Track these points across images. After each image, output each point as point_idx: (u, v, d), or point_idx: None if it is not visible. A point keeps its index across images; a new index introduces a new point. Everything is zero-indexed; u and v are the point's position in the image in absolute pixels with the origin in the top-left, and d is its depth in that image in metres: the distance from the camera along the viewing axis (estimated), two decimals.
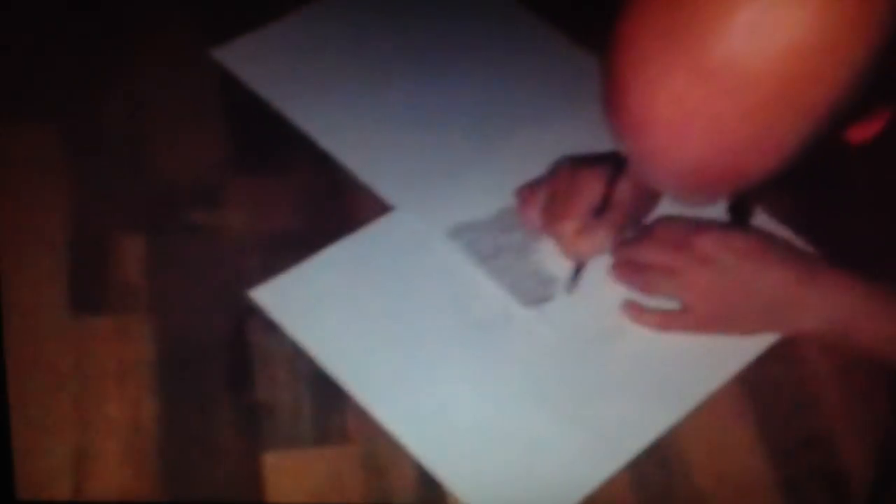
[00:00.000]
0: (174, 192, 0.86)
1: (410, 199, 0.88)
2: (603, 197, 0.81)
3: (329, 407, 0.76)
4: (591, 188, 0.82)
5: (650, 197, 0.86)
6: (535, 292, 0.84)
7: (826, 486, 0.74)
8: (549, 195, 0.84)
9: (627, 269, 0.84)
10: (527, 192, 0.85)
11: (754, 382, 0.79)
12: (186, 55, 0.94)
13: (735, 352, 0.80)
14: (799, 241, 0.85)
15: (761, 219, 0.89)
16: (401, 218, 0.87)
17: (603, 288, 0.84)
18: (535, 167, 0.88)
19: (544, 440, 0.76)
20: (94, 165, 0.86)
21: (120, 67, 0.92)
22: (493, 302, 0.83)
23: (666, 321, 0.82)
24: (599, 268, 0.85)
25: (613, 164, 0.80)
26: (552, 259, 0.86)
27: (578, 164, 0.84)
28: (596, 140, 0.69)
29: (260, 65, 0.95)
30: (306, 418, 0.75)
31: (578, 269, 0.83)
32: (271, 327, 0.79)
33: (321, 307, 0.81)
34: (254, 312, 0.79)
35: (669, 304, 0.82)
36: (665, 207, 0.88)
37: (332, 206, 0.87)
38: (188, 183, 0.86)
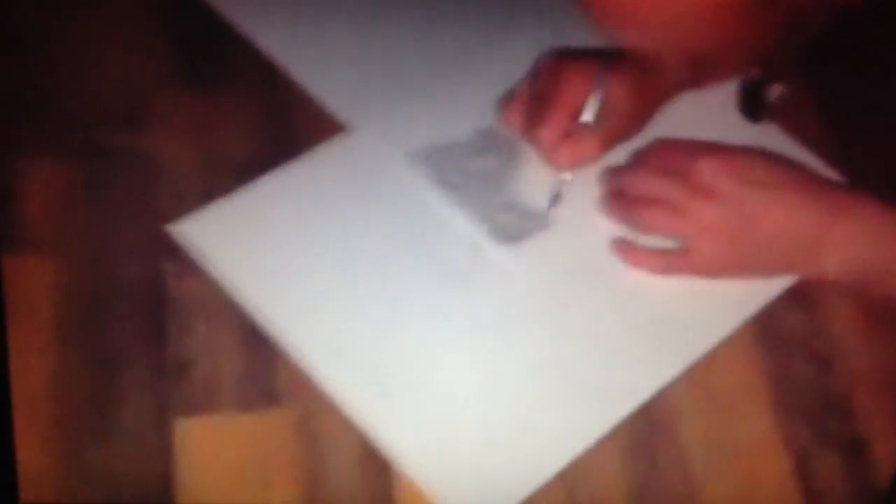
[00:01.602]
0: (92, 108, 0.75)
1: (369, 118, 0.78)
2: (589, 97, 0.72)
3: (258, 365, 0.66)
4: (577, 88, 0.73)
5: (647, 103, 0.75)
6: (511, 227, 0.73)
7: (844, 455, 0.65)
8: (531, 95, 0.75)
9: (618, 201, 0.73)
10: (508, 95, 0.76)
11: (765, 334, 0.70)
12: None
13: (743, 297, 0.71)
14: (822, 167, 0.76)
15: (777, 139, 0.77)
16: (356, 140, 0.77)
17: (591, 222, 0.74)
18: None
19: (519, 405, 0.66)
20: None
21: None
22: (460, 239, 0.72)
23: (663, 263, 0.71)
24: (586, 198, 0.74)
25: (604, 59, 0.71)
26: (532, 187, 0.75)
27: (564, 58, 0.75)
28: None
29: None
30: (229, 378, 0.65)
31: (558, 187, 0.74)
32: (193, 269, 0.69)
33: (254, 246, 0.71)
34: (174, 252, 0.70)
35: (667, 243, 0.72)
36: (667, 124, 0.76)
37: (279, 127, 0.77)
38: (109, 98, 0.76)
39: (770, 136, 0.77)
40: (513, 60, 0.78)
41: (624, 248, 0.72)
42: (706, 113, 0.78)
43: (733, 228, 0.69)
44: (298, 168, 0.74)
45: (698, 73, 0.78)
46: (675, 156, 0.71)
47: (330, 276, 0.69)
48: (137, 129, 0.74)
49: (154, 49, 0.79)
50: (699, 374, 0.67)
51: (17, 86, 0.75)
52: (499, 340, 0.68)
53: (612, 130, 0.74)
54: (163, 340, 0.65)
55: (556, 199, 0.74)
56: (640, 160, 0.73)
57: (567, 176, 0.73)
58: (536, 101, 0.74)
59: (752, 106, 0.77)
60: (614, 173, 0.74)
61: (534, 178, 0.74)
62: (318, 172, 0.74)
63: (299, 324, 0.67)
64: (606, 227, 0.73)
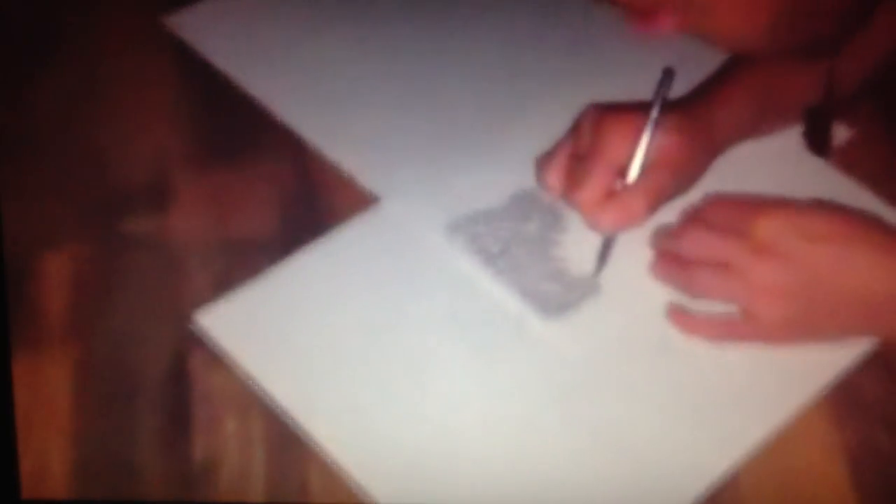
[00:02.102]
0: (111, 192, 0.72)
1: (399, 189, 0.74)
2: (634, 154, 0.67)
3: (288, 464, 0.61)
4: (620, 143, 0.68)
5: (698, 157, 0.70)
6: (556, 297, 0.68)
7: None
8: (571, 155, 0.70)
9: (670, 264, 0.68)
10: (546, 154, 0.71)
11: (843, 405, 0.64)
12: (133, 22, 0.81)
13: (816, 365, 0.65)
14: None
15: (846, 188, 0.72)
16: (386, 212, 0.73)
17: (643, 289, 0.68)
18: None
19: (571, 489, 0.60)
20: (18, 160, 0.73)
21: (59, 42, 0.80)
22: (502, 313, 0.67)
23: (722, 330, 0.66)
24: (637, 262, 0.69)
25: (650, 112, 0.67)
26: (577, 254, 0.70)
27: (606, 112, 0.70)
28: None
29: (221, 35, 0.81)
30: (258, 477, 0.60)
31: (606, 248, 0.69)
32: (219, 360, 0.65)
33: (283, 332, 0.66)
34: (199, 342, 0.65)
35: (726, 309, 0.66)
36: (719, 178, 0.70)
37: (306, 204, 0.73)
38: (129, 180, 0.73)
39: (838, 186, 0.72)
40: (552, 119, 0.73)
41: (679, 316, 0.66)
42: (765, 163, 0.73)
43: (798, 289, 0.63)
44: (326, 246, 0.70)
45: (757, 120, 0.73)
46: (731, 212, 0.66)
47: (364, 363, 0.64)
48: (158, 212, 0.71)
49: (174, 124, 0.76)
50: (771, 454, 0.61)
51: (36, 171, 0.73)
52: (547, 421, 0.62)
53: (660, 189, 0.68)
54: (188, 436, 0.61)
55: (602, 263, 0.69)
56: (692, 218, 0.68)
57: (613, 236, 0.69)
58: (576, 160, 0.69)
59: (819, 138, 0.72)
60: (665, 233, 0.68)
61: (578, 244, 0.69)
62: (347, 250, 0.70)
63: (330, 416, 0.62)
64: (660, 294, 0.67)
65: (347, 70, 0.79)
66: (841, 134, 0.75)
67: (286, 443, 0.62)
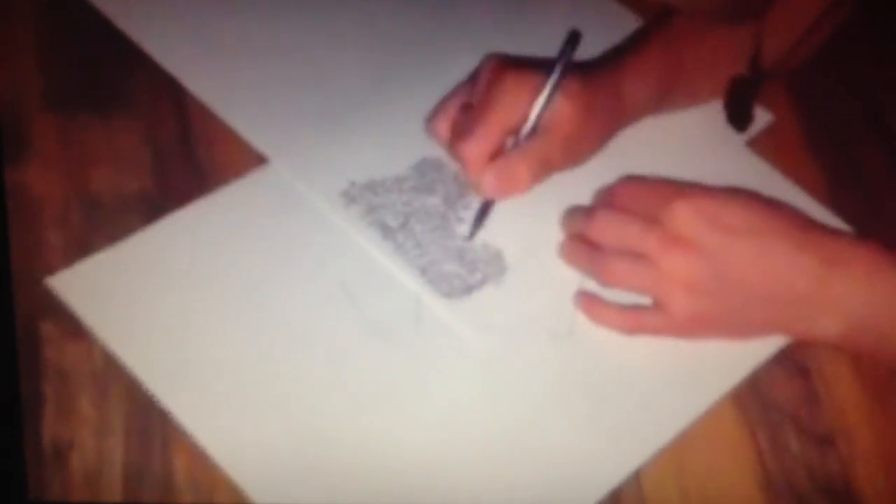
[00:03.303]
0: None
1: (292, 149, 0.68)
2: (527, 114, 0.64)
3: (150, 450, 0.55)
4: (516, 100, 0.64)
5: (596, 128, 0.67)
6: (459, 278, 0.63)
7: None
8: (464, 105, 0.66)
9: (580, 248, 0.63)
10: (440, 102, 0.68)
11: (752, 405, 0.61)
12: None
13: (725, 363, 0.62)
14: (820, 210, 0.68)
15: (766, 176, 0.69)
16: (275, 174, 0.67)
17: (552, 273, 0.64)
18: None
19: (466, 483, 0.56)
20: None
21: None
22: (399, 292, 0.62)
23: (631, 321, 0.62)
24: (547, 245, 0.65)
25: (548, 71, 0.64)
26: (482, 233, 0.65)
27: (506, 65, 0.66)
28: None
29: None
30: (115, 465, 0.54)
31: (484, 211, 0.66)
32: (75, 331, 0.58)
33: (148, 302, 0.60)
34: (53, 310, 0.59)
35: (638, 298, 0.62)
36: (633, 157, 0.66)
37: (184, 162, 0.67)
38: None
39: (756, 171, 0.69)
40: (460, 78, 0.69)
41: (589, 303, 0.62)
42: (683, 144, 0.70)
43: (712, 283, 0.60)
44: (203, 208, 0.64)
45: (666, 92, 0.69)
46: (646, 197, 0.62)
47: (239, 338, 0.59)
48: (10, 163, 0.64)
49: (31, 62, 0.69)
50: (676, 454, 0.58)
51: None
52: (443, 411, 0.58)
53: (548, 157, 0.65)
54: (38, 418, 0.55)
55: (477, 226, 0.64)
56: (605, 202, 0.64)
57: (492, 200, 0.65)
58: (468, 112, 0.65)
59: (740, 111, 0.70)
60: (576, 215, 0.64)
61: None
62: (228, 213, 0.64)
63: (198, 401, 0.56)
64: (570, 279, 0.63)
65: (237, 18, 0.73)
66: (761, 119, 0.72)
67: (148, 426, 0.56)
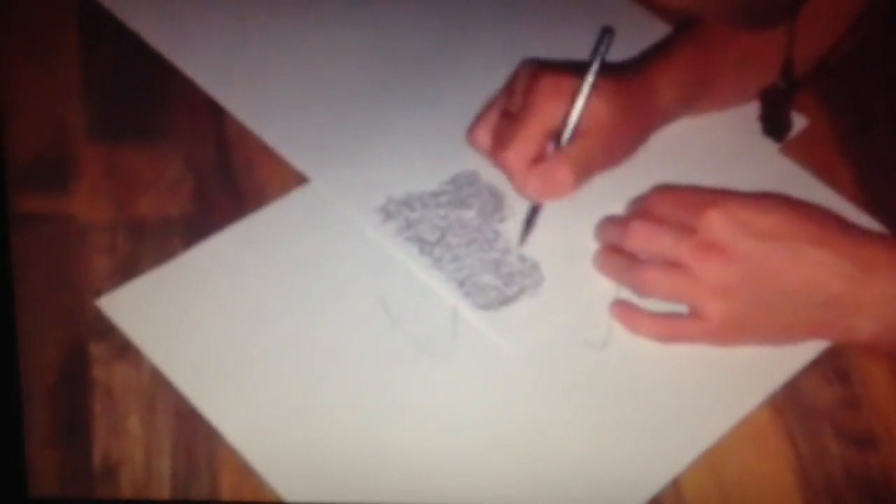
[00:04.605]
0: (7, 168, 0.66)
1: (329, 168, 0.69)
2: (566, 118, 0.64)
3: (197, 465, 0.56)
4: (553, 105, 0.65)
5: (633, 127, 0.67)
6: (495, 290, 0.64)
7: None
8: (503, 113, 0.67)
9: (615, 258, 0.64)
10: (480, 112, 0.69)
11: (791, 410, 0.61)
12: None
13: (763, 369, 0.62)
14: (856, 213, 0.67)
15: (802, 180, 0.69)
16: (315, 193, 0.68)
17: (588, 283, 0.64)
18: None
19: (503, 495, 0.56)
20: None
21: None
22: (437, 306, 0.63)
23: (669, 329, 0.62)
24: (583, 254, 0.65)
25: (586, 74, 0.64)
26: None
27: (541, 71, 0.66)
28: None
29: None
30: (163, 479, 0.56)
31: (532, 215, 0.66)
32: (123, 351, 0.59)
33: (194, 321, 0.61)
34: (102, 331, 0.60)
35: (674, 306, 0.62)
36: (668, 165, 0.66)
37: (225, 184, 0.68)
38: (27, 155, 0.67)
39: (790, 175, 0.69)
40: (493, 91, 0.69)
41: (625, 312, 0.63)
42: (716, 151, 0.70)
43: (747, 288, 0.60)
44: (246, 228, 0.65)
45: (696, 93, 0.70)
46: (679, 206, 0.62)
47: (283, 356, 0.60)
48: (59, 190, 0.65)
49: (79, 92, 0.70)
50: (715, 460, 0.58)
51: None
52: (482, 423, 0.58)
53: (589, 157, 0.65)
54: (87, 435, 0.56)
55: (527, 231, 0.65)
56: (638, 211, 0.64)
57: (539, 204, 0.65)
58: (508, 119, 0.66)
59: (777, 122, 0.70)
60: (610, 225, 0.65)
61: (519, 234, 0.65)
62: (271, 232, 0.65)
63: (243, 417, 0.57)
64: (606, 289, 0.63)
65: (273, 40, 0.74)
66: (798, 122, 0.72)
67: (194, 441, 0.57)
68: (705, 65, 0.69)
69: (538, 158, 0.65)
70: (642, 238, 0.62)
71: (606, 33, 0.65)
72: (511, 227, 0.66)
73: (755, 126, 0.71)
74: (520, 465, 0.57)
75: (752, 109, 0.72)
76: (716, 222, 0.60)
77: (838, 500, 0.57)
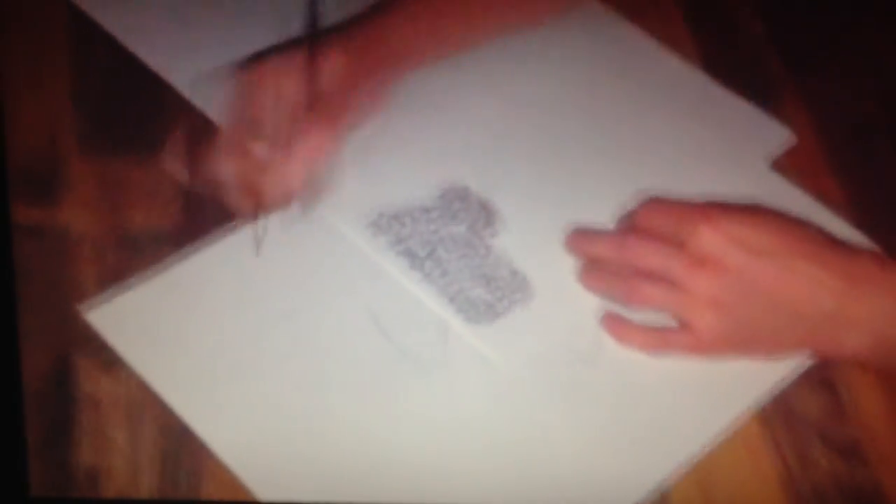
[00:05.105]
0: None
1: None
2: (293, 101, 0.63)
3: (182, 477, 0.56)
4: (291, 82, 0.63)
5: (376, 75, 0.67)
6: (485, 303, 0.64)
7: None
8: (237, 117, 0.65)
9: (601, 274, 0.64)
10: (222, 143, 0.65)
11: (777, 421, 0.61)
12: None
13: (750, 380, 0.62)
14: (845, 228, 0.68)
15: (790, 195, 0.69)
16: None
17: (578, 297, 0.64)
18: (500, 132, 0.70)
19: None
20: None
21: None
22: (427, 319, 0.63)
23: (659, 341, 0.62)
24: (574, 269, 0.65)
25: (302, 45, 0.63)
26: (508, 258, 0.66)
27: (260, 62, 0.65)
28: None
29: (127, 7, 0.75)
30: (147, 492, 0.55)
31: (261, 219, 0.64)
32: (109, 363, 0.59)
33: (180, 332, 0.61)
34: (87, 342, 0.60)
35: (663, 318, 0.62)
36: (657, 177, 0.66)
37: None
38: (16, 166, 0.67)
39: (781, 193, 0.69)
40: (482, 109, 0.71)
41: (614, 324, 0.63)
42: (704, 164, 0.70)
43: (737, 302, 0.60)
44: (233, 240, 0.65)
45: (436, 29, 0.70)
46: (668, 219, 0.62)
47: (271, 368, 0.60)
48: (48, 202, 0.65)
49: (68, 104, 0.70)
50: (703, 470, 0.58)
51: None
52: (472, 434, 0.58)
53: (337, 114, 0.64)
54: (71, 443, 0.56)
55: (261, 237, 0.64)
56: (628, 225, 0.64)
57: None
58: (239, 125, 0.64)
59: None
60: (595, 239, 0.65)
61: (509, 248, 0.65)
62: (262, 246, 0.65)
63: (230, 429, 0.57)
64: (596, 302, 0.63)
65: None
66: (784, 138, 0.72)
67: (179, 454, 0.57)
68: (442, 7, 0.69)
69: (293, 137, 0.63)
70: (634, 253, 0.62)
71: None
72: (501, 240, 0.66)
73: (743, 142, 0.72)
74: (507, 472, 0.57)
75: (739, 125, 0.72)
76: (707, 237, 0.60)
77: None
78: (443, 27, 0.70)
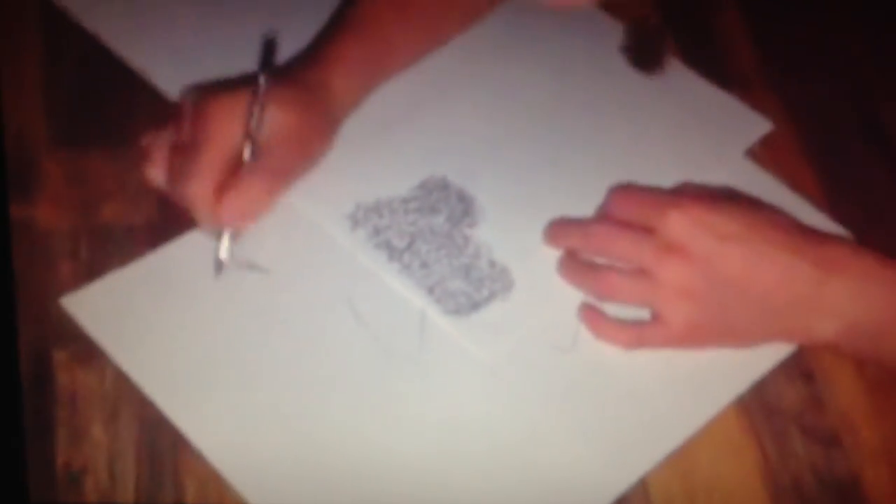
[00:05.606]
0: None
1: None
2: (246, 135, 0.62)
3: (162, 472, 0.56)
4: (226, 128, 0.62)
5: (319, 126, 0.66)
6: (464, 295, 0.64)
7: None
8: (174, 146, 0.64)
9: (576, 266, 0.64)
10: (146, 147, 0.65)
11: (757, 411, 0.61)
12: None
13: (729, 371, 0.62)
14: (816, 215, 0.68)
15: (762, 182, 0.69)
16: (283, 199, 0.67)
17: (557, 288, 0.64)
18: (478, 123, 0.70)
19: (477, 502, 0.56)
20: None
21: None
22: (406, 312, 0.62)
23: (633, 336, 0.62)
24: (554, 259, 0.65)
25: (252, 87, 0.62)
26: (487, 250, 0.66)
27: (208, 95, 0.64)
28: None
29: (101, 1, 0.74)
30: (128, 488, 0.55)
31: (225, 241, 0.63)
32: (86, 356, 0.58)
33: (159, 322, 0.61)
34: (65, 336, 0.59)
35: (637, 312, 0.62)
36: (630, 168, 0.66)
37: None
38: None
39: (757, 183, 0.68)
40: (463, 103, 0.70)
41: (591, 318, 0.62)
42: (679, 154, 0.70)
43: (708, 290, 0.60)
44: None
45: (374, 70, 0.69)
46: (639, 207, 0.62)
47: (248, 359, 0.59)
48: (22, 198, 0.64)
49: (42, 99, 0.69)
50: (683, 460, 0.58)
51: None
52: (452, 430, 0.58)
53: (282, 167, 0.64)
54: (50, 440, 0.55)
55: (225, 261, 0.62)
56: (596, 216, 0.64)
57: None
58: (181, 153, 0.62)
59: (646, 53, 0.71)
60: (569, 229, 0.64)
61: (488, 239, 0.65)
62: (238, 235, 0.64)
63: (209, 421, 0.57)
64: (576, 293, 0.63)
65: (240, 48, 0.71)
66: (760, 127, 0.72)
67: (159, 448, 0.56)
68: (378, 40, 0.68)
69: (223, 187, 0.61)
70: (602, 241, 0.62)
71: (269, 43, 0.64)
72: (480, 231, 0.66)
73: (719, 131, 0.72)
74: (484, 466, 0.57)
75: (715, 114, 0.72)
76: (677, 224, 0.60)
77: (805, 499, 0.58)
78: (383, 66, 0.69)
